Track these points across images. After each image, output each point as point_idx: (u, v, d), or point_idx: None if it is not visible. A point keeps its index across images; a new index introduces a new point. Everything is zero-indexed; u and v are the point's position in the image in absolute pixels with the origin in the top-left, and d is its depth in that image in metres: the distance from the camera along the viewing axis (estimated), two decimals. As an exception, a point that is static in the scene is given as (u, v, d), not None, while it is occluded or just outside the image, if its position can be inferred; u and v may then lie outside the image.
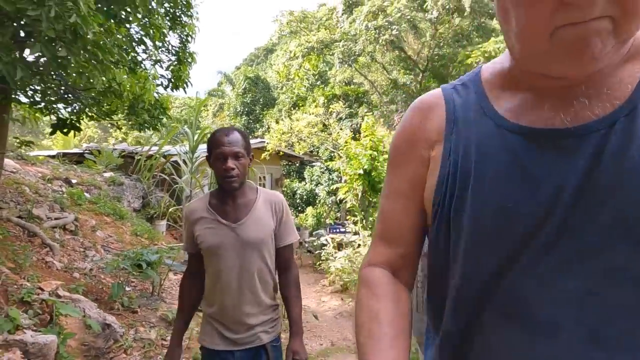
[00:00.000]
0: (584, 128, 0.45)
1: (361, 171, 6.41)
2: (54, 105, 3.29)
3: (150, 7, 2.70)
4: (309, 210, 12.15)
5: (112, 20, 2.36)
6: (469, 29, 14.49)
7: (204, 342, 1.44)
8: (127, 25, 2.83)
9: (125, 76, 2.52)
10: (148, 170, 6.48)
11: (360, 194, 6.75)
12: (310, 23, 18.76)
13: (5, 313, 1.89)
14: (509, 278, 0.47)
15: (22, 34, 2.40)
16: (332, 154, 11.12)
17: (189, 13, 3.62)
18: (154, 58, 3.40)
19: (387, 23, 13.61)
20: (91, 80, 2.21)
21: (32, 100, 3.17)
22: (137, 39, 3.11)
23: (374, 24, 13.69)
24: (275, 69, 20.18)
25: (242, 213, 1.39)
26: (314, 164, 13.31)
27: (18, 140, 3.60)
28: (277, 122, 13.00)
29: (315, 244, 7.85)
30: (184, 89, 3.58)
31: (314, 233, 9.34)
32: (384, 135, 6.96)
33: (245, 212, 1.39)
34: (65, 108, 3.28)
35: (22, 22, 1.83)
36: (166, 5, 3.46)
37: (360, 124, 8.07)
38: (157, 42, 3.26)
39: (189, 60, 3.57)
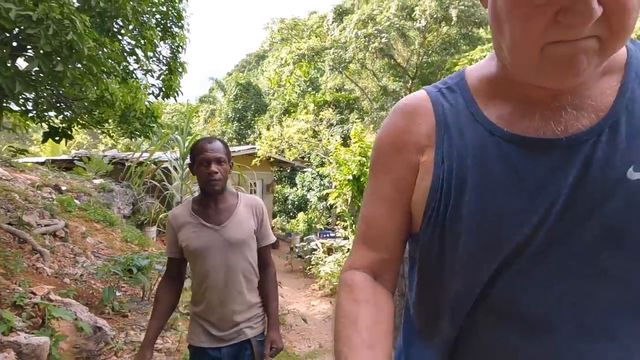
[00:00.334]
0: (574, 139, 0.47)
1: (350, 177, 6.55)
2: (46, 114, 3.36)
3: (141, 20, 2.81)
4: (300, 215, 12.21)
5: (105, 34, 2.46)
6: (456, 38, 14.84)
7: (191, 340, 1.50)
8: (119, 37, 2.93)
9: (117, 86, 2.61)
10: (139, 176, 6.51)
11: (349, 199, 6.88)
12: (301, 30, 18.98)
13: (0, 316, 1.95)
14: (503, 282, 0.49)
15: (14, 43, 2.49)
16: (323, 160, 11.24)
17: (180, 24, 3.73)
18: (145, 68, 3.49)
19: (376, 31, 13.87)
20: (83, 90, 2.29)
21: (23, 108, 3.23)
22: (128, 50, 3.20)
23: (364, 32, 13.94)
24: (266, 75, 20.32)
25: (224, 216, 1.48)
26: (305, 169, 13.41)
27: (13, 148, 3.64)
28: (267, 129, 13.11)
29: (305, 249, 7.93)
30: (174, 97, 3.68)
31: (304, 238, 9.42)
32: (373, 141, 7.10)
33: (228, 215, 1.49)
34: (56, 116, 3.34)
35: (20, 37, 1.91)
36: (157, 16, 3.57)
37: (351, 130, 8.23)
38: (148, 53, 3.36)
39: (180, 70, 3.68)
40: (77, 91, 2.20)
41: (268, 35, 21.10)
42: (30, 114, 3.33)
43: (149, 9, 3.01)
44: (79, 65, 1.92)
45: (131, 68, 3.36)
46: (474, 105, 0.55)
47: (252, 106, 19.63)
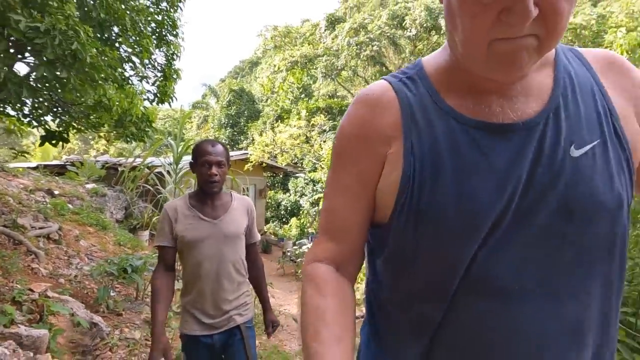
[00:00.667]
0: (529, 122, 0.53)
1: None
2: (42, 118, 3.46)
3: (139, 29, 2.94)
4: (293, 221, 12.28)
5: (104, 43, 2.58)
6: (445, 46, 15.16)
7: (184, 330, 1.59)
8: (117, 45, 3.06)
9: (114, 92, 2.73)
10: (132, 181, 6.58)
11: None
12: (294, 38, 19.21)
13: (1, 309, 2.04)
14: (481, 258, 0.52)
15: (11, 50, 2.60)
16: (315, 166, 11.38)
17: (175, 32, 3.87)
18: (140, 74, 3.62)
19: (368, 39, 14.16)
20: (78, 94, 2.40)
21: (20, 112, 3.33)
22: (125, 57, 3.33)
23: (356, 40, 14.22)
24: (259, 82, 20.46)
25: (220, 211, 1.62)
26: (298, 175, 13.53)
27: (14, 151, 3.72)
28: (260, 135, 13.23)
29: (297, 252, 8.03)
30: (169, 103, 3.81)
31: (297, 242, 9.52)
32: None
33: (223, 211, 1.62)
34: (53, 120, 3.44)
35: (19, 44, 2.04)
36: (153, 25, 3.70)
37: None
38: (144, 60, 3.49)
39: (175, 76, 3.82)
40: (75, 96, 2.32)
41: (261, 42, 21.33)
42: (27, 119, 3.43)
43: (145, 18, 3.15)
44: (82, 73, 2.05)
45: (127, 74, 3.49)
46: (437, 95, 0.58)
47: (245, 112, 19.74)
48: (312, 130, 12.48)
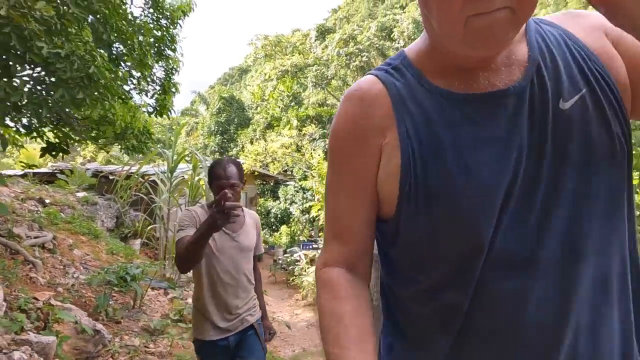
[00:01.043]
0: (518, 86, 0.53)
1: (332, 190, 6.85)
2: (41, 129, 3.53)
3: (144, 49, 3.08)
4: (283, 229, 12.34)
5: (112, 62, 2.72)
6: (432, 58, 15.58)
7: (200, 335, 1.71)
8: (122, 63, 3.19)
9: (118, 106, 2.85)
10: (125, 190, 6.62)
11: (331, 212, 7.15)
12: (284, 47, 19.43)
13: (11, 317, 2.12)
14: (499, 234, 0.51)
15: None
16: (306, 174, 11.53)
17: (173, 47, 4.01)
18: (140, 88, 3.74)
19: (357, 50, 14.50)
20: (85, 109, 2.51)
21: (19, 124, 3.40)
22: (127, 72, 3.45)
23: (345, 51, 14.54)
24: (250, 89, 20.56)
25: (237, 226, 1.77)
26: (288, 183, 13.64)
27: (23, 163, 3.77)
28: (251, 143, 13.34)
29: (288, 259, 8.12)
30: (167, 115, 3.93)
31: (287, 250, 9.60)
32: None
33: (239, 225, 1.78)
34: (54, 132, 3.53)
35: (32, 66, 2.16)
36: (152, 40, 3.83)
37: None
38: (145, 73, 3.61)
39: (173, 90, 3.95)
40: (86, 112, 2.43)
41: (252, 51, 21.48)
42: (27, 130, 3.50)
43: (148, 36, 3.29)
44: (96, 93, 2.18)
45: (127, 88, 3.60)
46: (424, 78, 0.58)
47: (235, 120, 19.78)
48: (303, 139, 12.64)
